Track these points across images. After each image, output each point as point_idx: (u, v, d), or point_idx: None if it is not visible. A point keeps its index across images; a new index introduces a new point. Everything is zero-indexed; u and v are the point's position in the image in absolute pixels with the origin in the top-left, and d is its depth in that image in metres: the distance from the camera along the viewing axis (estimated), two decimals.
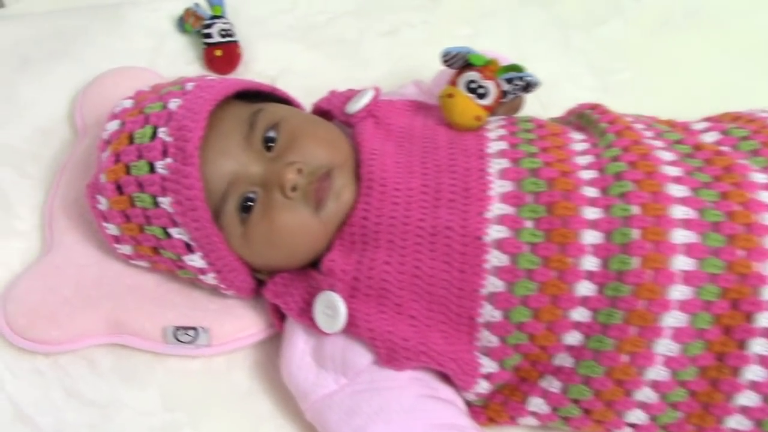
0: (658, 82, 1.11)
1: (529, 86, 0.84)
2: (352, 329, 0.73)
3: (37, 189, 0.93)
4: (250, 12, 1.14)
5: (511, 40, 1.14)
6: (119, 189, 0.77)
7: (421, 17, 1.16)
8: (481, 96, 0.82)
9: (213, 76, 0.88)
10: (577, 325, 0.72)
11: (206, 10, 1.09)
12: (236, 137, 0.77)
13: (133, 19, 1.12)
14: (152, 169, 0.75)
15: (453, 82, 0.84)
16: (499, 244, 0.72)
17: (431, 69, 1.00)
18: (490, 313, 0.72)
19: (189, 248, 0.77)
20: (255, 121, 0.78)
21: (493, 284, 0.72)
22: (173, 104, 0.77)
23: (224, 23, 1.07)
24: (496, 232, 0.73)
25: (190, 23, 1.09)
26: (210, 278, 0.80)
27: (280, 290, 0.80)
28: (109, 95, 0.95)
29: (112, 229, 0.80)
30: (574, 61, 1.13)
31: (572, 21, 1.17)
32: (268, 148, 0.78)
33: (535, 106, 0.96)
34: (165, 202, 0.74)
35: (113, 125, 0.80)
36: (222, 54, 1.06)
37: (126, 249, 0.82)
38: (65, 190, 0.91)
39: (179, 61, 1.08)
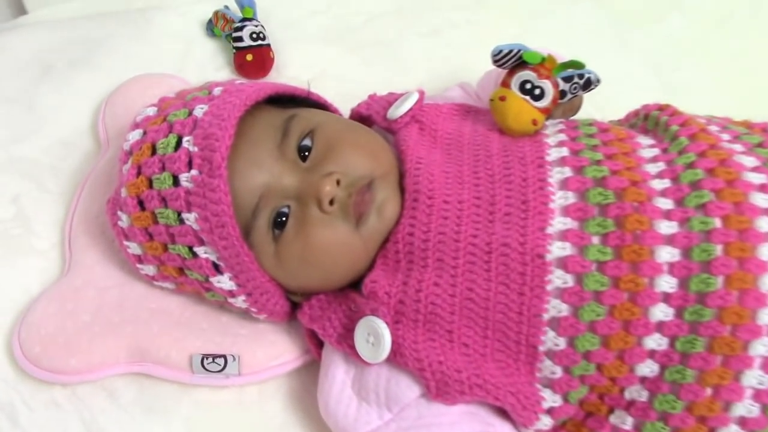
0: (724, 81, 1.03)
1: (589, 84, 0.77)
2: (397, 359, 0.67)
3: (57, 204, 0.87)
4: (282, 14, 1.08)
5: (563, 39, 1.06)
6: (141, 204, 0.71)
7: (465, 16, 1.10)
8: (538, 97, 0.75)
9: (243, 80, 0.81)
10: (653, 354, 0.65)
11: (236, 12, 1.03)
12: (268, 145, 0.70)
13: (159, 24, 1.07)
14: (176, 182, 0.68)
15: (505, 84, 0.76)
16: (563, 263, 0.66)
17: (477, 72, 0.94)
18: (553, 340, 0.66)
19: (217, 269, 0.70)
20: (288, 127, 0.71)
21: (557, 308, 0.66)
22: (199, 111, 0.70)
23: (255, 26, 1.01)
24: (559, 250, 0.66)
25: (219, 27, 1.03)
26: (240, 301, 0.73)
27: (317, 314, 0.73)
28: (133, 104, 0.90)
29: (133, 248, 0.74)
30: (631, 59, 1.06)
31: (628, 18, 1.10)
32: (303, 158, 0.71)
33: (589, 109, 0.88)
34: (190, 218, 0.68)
35: (135, 135, 0.74)
36: (253, 58, 1.00)
37: (149, 269, 0.75)
38: (86, 205, 0.85)
39: (208, 66, 1.02)
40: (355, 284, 0.73)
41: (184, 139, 0.69)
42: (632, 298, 0.64)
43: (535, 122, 0.75)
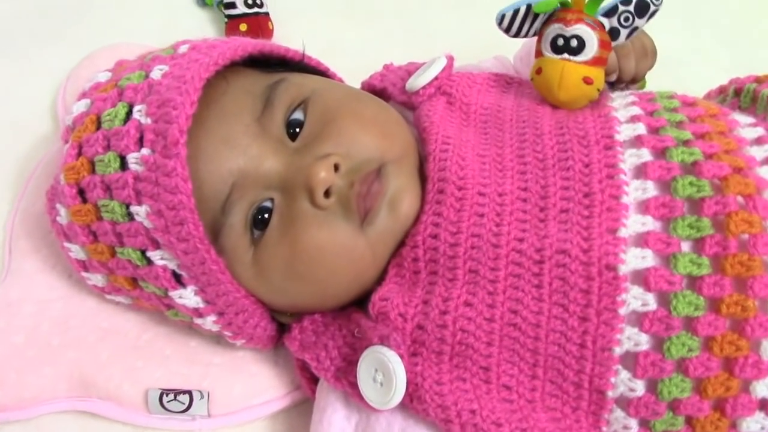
0: None
1: (645, 7, 0.59)
2: (415, 404, 0.52)
3: (1, 198, 0.72)
4: None
5: None
6: (82, 194, 0.55)
7: None
8: (577, 50, 0.59)
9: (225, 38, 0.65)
10: (765, 405, 0.50)
11: None
12: (244, 119, 0.54)
13: None
14: (124, 165, 0.52)
15: (538, 52, 0.62)
16: (642, 278, 0.50)
17: (510, 46, 0.76)
18: (627, 383, 0.50)
19: (178, 280, 0.54)
20: (273, 96, 0.55)
21: (633, 339, 0.50)
22: (157, 72, 0.54)
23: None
24: (636, 259, 0.50)
25: None
26: (209, 322, 0.56)
27: (310, 340, 0.57)
28: None
29: (76, 251, 0.58)
30: (699, 32, 0.88)
31: None
32: (293, 136, 0.55)
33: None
34: (141, 212, 0.51)
35: (80, 106, 0.59)
36: (248, 28, 0.86)
37: (97, 279, 0.59)
38: (31, 200, 0.70)
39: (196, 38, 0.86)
40: (361, 301, 0.57)
41: (135, 108, 0.53)
42: (738, 328, 0.49)
43: (588, 80, 0.59)
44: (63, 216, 0.57)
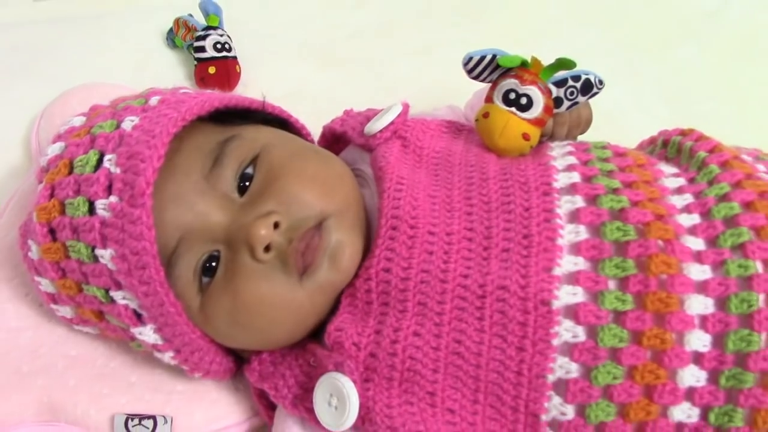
0: (744, 113, 0.93)
1: (589, 87, 0.66)
2: (366, 426, 0.56)
3: None
4: (253, 25, 0.97)
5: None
6: (52, 233, 0.58)
7: (458, 34, 1.00)
8: (525, 108, 0.64)
9: (192, 89, 0.69)
10: (681, 429, 0.54)
11: (201, 21, 0.92)
12: (193, 177, 0.57)
13: (114, 32, 0.97)
14: (92, 210, 0.55)
15: (488, 98, 0.67)
16: (573, 312, 0.54)
17: (468, 95, 0.82)
18: (559, 407, 0.55)
19: (139, 318, 0.57)
20: (222, 154, 0.59)
21: (565, 368, 0.54)
22: (128, 123, 0.58)
23: (220, 35, 0.90)
24: (568, 295, 0.54)
25: (181, 36, 0.92)
26: (167, 357, 0.60)
27: (268, 371, 0.61)
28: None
29: (45, 284, 0.61)
30: (642, 88, 0.94)
31: (638, 45, 1.00)
32: (243, 189, 0.58)
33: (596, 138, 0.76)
34: (105, 255, 0.55)
35: (55, 148, 0.62)
36: (216, 71, 0.89)
37: (65, 311, 0.63)
38: (3, 232, 0.72)
39: (166, 80, 0.89)
40: (317, 332, 0.61)
41: (106, 157, 0.56)
42: (657, 358, 0.53)
43: (526, 136, 0.64)
44: (34, 252, 0.60)
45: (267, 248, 0.55)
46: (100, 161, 0.56)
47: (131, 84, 0.88)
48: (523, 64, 0.65)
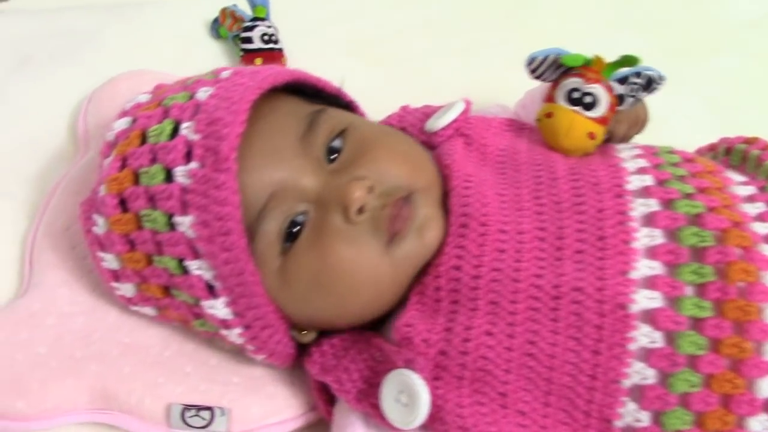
0: None
1: (651, 83, 0.66)
2: (436, 425, 0.54)
3: (19, 212, 0.73)
4: (297, 19, 0.96)
5: None
6: (123, 204, 0.57)
7: (499, 36, 0.99)
8: (589, 106, 0.64)
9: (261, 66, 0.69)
10: None
11: (246, 11, 0.91)
12: (290, 136, 0.58)
13: (156, 21, 0.95)
14: (170, 177, 0.55)
15: (550, 98, 0.66)
16: (651, 317, 0.54)
17: (513, 96, 0.81)
18: (633, 414, 0.54)
19: (211, 291, 0.56)
20: (316, 121, 0.59)
21: (641, 373, 0.54)
22: (202, 94, 0.57)
23: (267, 27, 0.89)
24: (645, 300, 0.54)
25: (227, 26, 0.90)
26: (234, 335, 0.59)
27: (330, 363, 0.59)
28: (121, 102, 0.76)
29: (109, 260, 0.60)
30: (683, 95, 0.94)
31: (679, 50, 0.98)
32: (330, 161, 0.58)
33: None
34: (185, 222, 0.54)
35: (122, 123, 0.61)
36: (262, 63, 0.87)
37: (127, 289, 0.61)
38: (54, 215, 0.71)
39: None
40: (376, 326, 0.60)
41: (183, 125, 0.56)
42: (735, 367, 0.53)
43: (592, 135, 0.64)
44: (100, 225, 0.59)
45: (361, 210, 0.55)
46: (175, 130, 0.56)
47: (174, 73, 0.87)
48: (586, 63, 0.65)
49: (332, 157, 0.58)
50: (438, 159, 0.64)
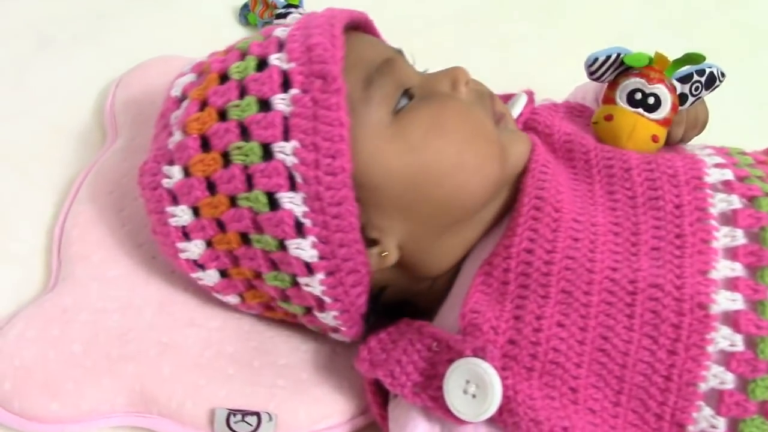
0: None
1: (713, 80, 0.64)
2: (504, 416, 0.51)
3: (45, 201, 0.70)
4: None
5: None
6: (205, 144, 0.53)
7: (534, 29, 0.96)
8: (653, 108, 0.61)
9: None
10: None
11: None
12: (385, 47, 0.59)
13: (183, 5, 0.91)
14: (267, 106, 0.52)
15: (608, 99, 0.63)
16: (732, 319, 0.51)
17: (549, 92, 0.78)
18: (709, 419, 0.51)
19: (299, 229, 0.52)
20: (399, 51, 0.60)
21: (719, 377, 0.51)
22: (281, 32, 0.56)
23: (301, 14, 0.84)
24: (727, 301, 0.51)
25: (257, 12, 0.87)
26: (315, 281, 0.54)
27: (380, 358, 0.55)
28: (154, 89, 0.74)
29: (181, 213, 0.55)
30: (729, 94, 0.91)
31: (719, 49, 0.96)
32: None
33: None
34: (286, 148, 0.51)
35: (186, 78, 0.58)
36: None
37: (196, 247, 0.56)
38: (85, 204, 0.67)
39: None
40: (425, 312, 0.57)
41: (272, 57, 0.54)
42: None
43: (655, 138, 0.61)
44: (175, 174, 0.54)
45: (467, 82, 0.57)
46: (262, 64, 0.53)
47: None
48: (649, 62, 0.62)
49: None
50: None
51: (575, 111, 0.67)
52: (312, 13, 0.58)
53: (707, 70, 0.63)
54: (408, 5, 0.97)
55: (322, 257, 0.53)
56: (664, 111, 0.61)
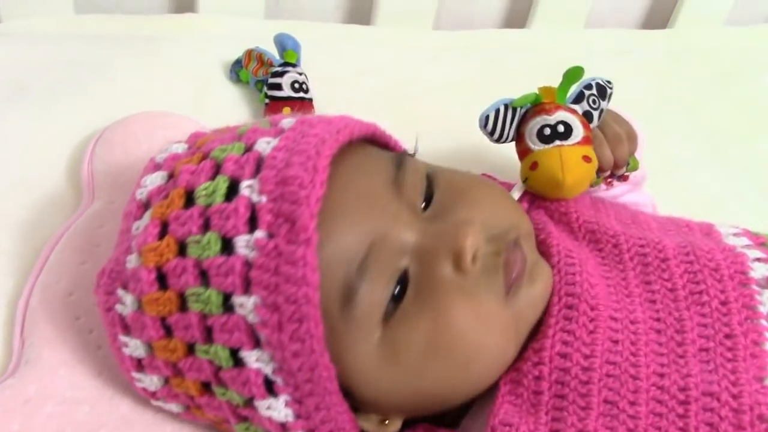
0: None
1: (604, 90, 0.62)
2: None
3: (7, 268, 0.62)
4: (322, 69, 0.87)
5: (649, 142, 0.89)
6: (162, 281, 0.46)
7: None
8: (566, 134, 0.58)
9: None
10: None
11: (274, 55, 0.82)
12: (382, 177, 0.49)
13: (169, 58, 0.85)
14: (229, 248, 0.44)
15: (524, 151, 0.61)
16: None
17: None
18: None
19: (270, 388, 0.45)
20: (404, 162, 0.50)
21: None
22: (264, 145, 0.47)
23: (299, 73, 0.80)
24: None
25: (251, 70, 0.81)
26: None
27: None
28: (137, 148, 0.68)
29: (134, 347, 0.49)
30: (733, 176, 0.89)
31: (723, 130, 0.94)
32: (423, 207, 0.50)
33: None
34: (247, 305, 0.43)
35: (155, 178, 0.50)
36: (291, 113, 0.78)
37: (151, 382, 0.50)
38: (54, 277, 0.59)
39: (227, 115, 0.78)
40: (450, 419, 0.51)
41: (244, 183, 0.45)
42: None
43: (587, 159, 0.58)
44: (128, 304, 0.48)
45: (474, 258, 0.47)
46: (233, 189, 0.45)
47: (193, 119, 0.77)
48: (537, 99, 0.61)
49: (424, 204, 0.50)
50: None
51: (590, 195, 0.63)
52: (308, 121, 0.50)
53: (593, 83, 0.62)
54: (405, 69, 0.93)
55: (299, 416, 0.46)
56: (578, 132, 0.59)
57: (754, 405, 0.46)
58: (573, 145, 0.58)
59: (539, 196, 0.60)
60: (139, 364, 0.49)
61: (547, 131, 0.59)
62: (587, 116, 0.61)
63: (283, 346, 0.43)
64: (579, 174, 0.57)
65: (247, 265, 0.43)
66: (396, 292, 0.46)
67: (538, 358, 0.48)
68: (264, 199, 0.44)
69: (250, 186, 0.45)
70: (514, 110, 0.61)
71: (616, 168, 0.61)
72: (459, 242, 0.46)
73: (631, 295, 0.51)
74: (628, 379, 0.47)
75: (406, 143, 0.82)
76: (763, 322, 0.49)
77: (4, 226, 0.64)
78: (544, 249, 0.53)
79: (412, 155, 0.58)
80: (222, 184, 0.46)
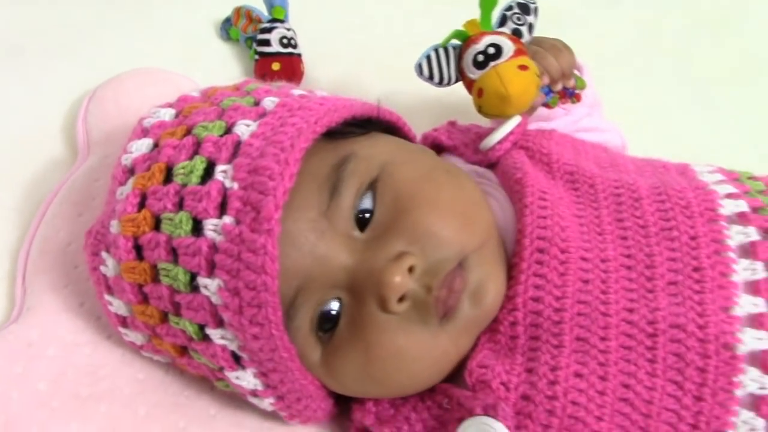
0: None
1: (526, 6, 0.65)
2: None
3: (9, 224, 0.64)
4: (310, 25, 0.88)
5: (638, 91, 0.90)
6: (138, 251, 0.48)
7: None
8: (498, 54, 0.61)
9: (307, 90, 0.58)
10: None
11: (263, 11, 0.83)
12: (311, 212, 0.48)
13: (162, 18, 0.87)
14: (198, 229, 0.46)
15: (469, 83, 0.63)
16: (761, 360, 0.48)
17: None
18: None
19: (237, 361, 0.48)
20: (340, 182, 0.49)
21: (749, 423, 0.48)
22: (243, 129, 0.49)
23: (287, 29, 0.81)
24: (753, 340, 0.48)
25: (240, 27, 0.83)
26: (266, 404, 0.51)
27: (387, 413, 0.52)
28: (128, 104, 0.70)
29: (117, 306, 0.51)
30: (722, 124, 0.90)
31: (711, 77, 0.95)
32: (362, 222, 0.49)
33: None
34: (211, 286, 0.45)
35: (141, 145, 0.52)
36: (280, 68, 0.80)
37: (136, 337, 0.53)
38: (52, 229, 0.62)
39: (218, 74, 0.82)
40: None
41: (219, 168, 0.47)
42: None
43: (523, 68, 0.60)
44: (110, 267, 0.50)
45: (401, 299, 0.47)
46: (208, 171, 0.47)
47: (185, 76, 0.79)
48: (463, 34, 0.64)
49: (365, 216, 0.49)
50: (503, 175, 0.57)
51: (572, 138, 0.64)
52: (291, 103, 0.51)
53: (514, 3, 0.64)
54: (398, 23, 0.94)
55: (267, 386, 0.49)
56: (508, 48, 0.61)
57: (719, 334, 0.47)
58: (507, 60, 0.60)
59: (527, 135, 0.61)
60: (124, 322, 0.52)
61: (480, 58, 0.61)
62: (516, 33, 0.63)
63: (243, 328, 0.45)
64: (520, 83, 0.59)
65: (214, 248, 0.45)
66: (328, 317, 0.48)
67: (512, 305, 0.50)
68: (236, 185, 0.46)
69: (224, 171, 0.46)
70: (446, 51, 0.64)
71: (564, 77, 0.63)
72: (383, 287, 0.46)
73: (603, 232, 0.53)
74: (598, 316, 0.49)
75: (396, 97, 0.84)
76: (731, 254, 0.51)
77: (4, 183, 0.67)
78: (518, 188, 0.54)
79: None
80: (199, 165, 0.47)
